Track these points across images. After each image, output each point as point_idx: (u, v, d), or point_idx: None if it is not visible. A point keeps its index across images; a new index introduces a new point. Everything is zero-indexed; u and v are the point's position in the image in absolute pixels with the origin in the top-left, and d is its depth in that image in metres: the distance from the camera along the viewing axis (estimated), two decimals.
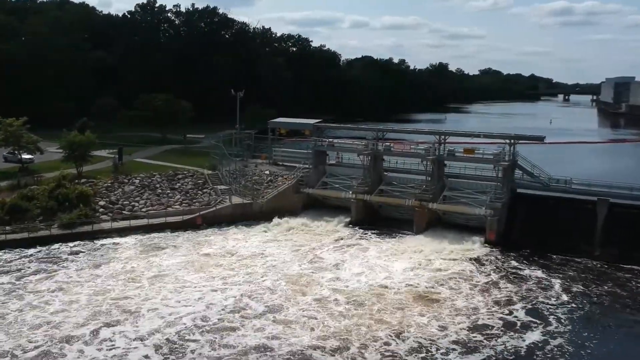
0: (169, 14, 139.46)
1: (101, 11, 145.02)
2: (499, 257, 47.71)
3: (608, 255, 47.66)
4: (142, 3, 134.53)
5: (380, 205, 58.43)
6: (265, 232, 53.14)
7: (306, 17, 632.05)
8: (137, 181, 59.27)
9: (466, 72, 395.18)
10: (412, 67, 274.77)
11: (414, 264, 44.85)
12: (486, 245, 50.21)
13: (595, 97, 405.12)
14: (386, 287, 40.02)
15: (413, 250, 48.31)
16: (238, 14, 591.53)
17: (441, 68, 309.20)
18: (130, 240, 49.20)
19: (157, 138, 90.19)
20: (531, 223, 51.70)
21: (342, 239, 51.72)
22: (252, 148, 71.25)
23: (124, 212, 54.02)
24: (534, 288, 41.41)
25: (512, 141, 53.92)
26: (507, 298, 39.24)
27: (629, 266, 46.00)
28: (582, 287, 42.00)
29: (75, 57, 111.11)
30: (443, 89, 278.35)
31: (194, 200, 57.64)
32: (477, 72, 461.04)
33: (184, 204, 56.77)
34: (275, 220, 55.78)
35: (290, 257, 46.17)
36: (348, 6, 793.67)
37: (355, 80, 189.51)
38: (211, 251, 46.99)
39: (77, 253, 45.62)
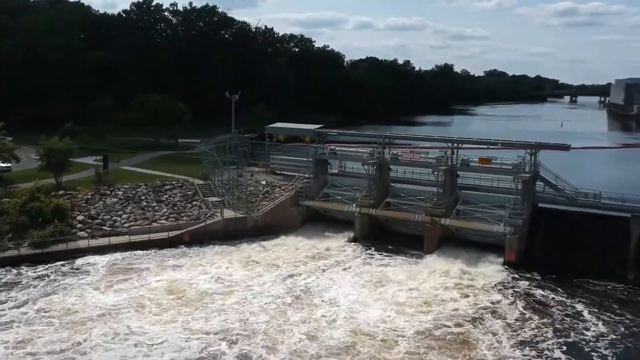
0: (165, 13, 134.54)
1: (97, 10, 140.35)
2: (522, 282, 42.38)
3: None
4: (138, 2, 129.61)
5: (387, 220, 53.25)
6: (257, 252, 47.55)
7: (310, 18, 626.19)
8: (120, 193, 54.19)
9: (471, 73, 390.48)
10: (417, 68, 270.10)
11: (425, 295, 38.95)
12: (505, 267, 44.99)
13: (603, 99, 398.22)
14: (393, 329, 33.83)
15: (423, 275, 42.77)
16: (242, 15, 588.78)
17: (446, 69, 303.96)
18: (104, 261, 43.91)
19: (150, 142, 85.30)
20: (555, 242, 46.46)
21: (342, 261, 45.96)
22: (249, 155, 66.13)
23: (104, 227, 48.93)
24: (566, 319, 36.33)
25: (533, 150, 48.61)
26: (539, 335, 34.01)
27: None
28: (618, 317, 36.92)
29: (74, 57, 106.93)
30: (448, 90, 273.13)
31: (182, 214, 52.50)
32: (482, 73, 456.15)
33: (170, 219, 51.68)
34: (271, 237, 50.75)
35: (279, 287, 39.76)
36: (352, 7, 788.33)
37: (360, 81, 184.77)
38: (186, 278, 40.77)
39: (42, 277, 40.39)
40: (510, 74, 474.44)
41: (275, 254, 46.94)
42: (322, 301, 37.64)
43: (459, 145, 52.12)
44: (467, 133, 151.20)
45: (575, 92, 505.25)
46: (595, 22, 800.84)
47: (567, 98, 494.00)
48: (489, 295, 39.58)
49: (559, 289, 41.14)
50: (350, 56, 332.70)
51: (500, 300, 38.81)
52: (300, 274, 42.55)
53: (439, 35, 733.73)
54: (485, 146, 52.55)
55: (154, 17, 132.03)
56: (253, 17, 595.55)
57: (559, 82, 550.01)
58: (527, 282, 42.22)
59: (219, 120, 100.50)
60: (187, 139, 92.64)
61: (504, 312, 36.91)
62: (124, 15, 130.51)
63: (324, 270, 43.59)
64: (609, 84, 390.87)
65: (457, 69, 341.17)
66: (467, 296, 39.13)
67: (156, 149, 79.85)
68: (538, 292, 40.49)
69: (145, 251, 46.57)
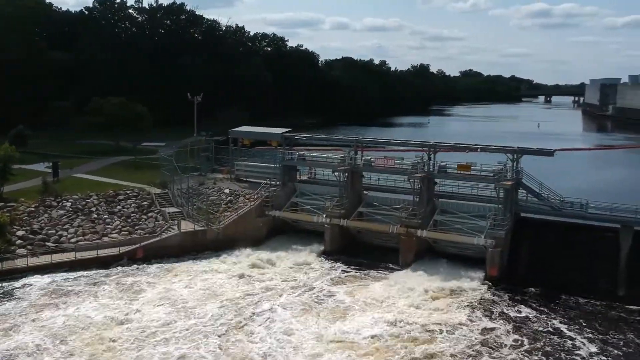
0: (130, 11, 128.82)
1: (60, 8, 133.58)
2: (505, 300, 38.97)
3: (634, 295, 39.05)
4: None
5: (360, 231, 49.41)
6: (213, 270, 42.78)
7: (288, 18, 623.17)
8: (68, 204, 49.47)
9: (447, 74, 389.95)
10: (393, 69, 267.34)
11: (396, 322, 34.53)
12: (487, 282, 41.46)
13: (577, 99, 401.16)
14: None
15: (395, 295, 38.76)
16: (220, 15, 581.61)
17: (422, 69, 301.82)
18: (40, 284, 39.05)
19: (110, 147, 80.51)
20: (540, 256, 42.97)
21: (307, 282, 41.29)
22: (212, 160, 61.75)
23: (47, 244, 44.23)
24: (555, 340, 33.34)
25: (515, 156, 45.16)
26: None
27: None
28: (607, 337, 34.05)
29: (33, 57, 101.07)
30: (425, 90, 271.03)
31: (137, 227, 47.99)
32: (457, 74, 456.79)
33: (123, 232, 47.17)
34: (233, 251, 46.56)
35: (220, 324, 33.73)
36: (329, 7, 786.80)
37: (337, 82, 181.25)
38: (118, 309, 35.26)
39: None
40: (486, 74, 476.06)
41: (232, 273, 42.24)
42: (282, 337, 32.29)
43: (436, 150, 48.42)
44: (444, 135, 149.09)
45: (550, 91, 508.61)
46: (569, 24, 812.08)
47: (541, 98, 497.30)
48: (468, 315, 36.04)
49: (545, 308, 37.87)
50: (329, 57, 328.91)
51: (483, 322, 35.22)
52: (253, 302, 36.98)
53: (416, 36, 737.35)
54: (464, 151, 48.59)
55: (118, 15, 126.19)
56: (232, 16, 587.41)
57: (534, 82, 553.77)
58: (511, 301, 38.80)
59: (190, 122, 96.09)
60: (151, 142, 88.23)
61: (488, 337, 33.30)
62: (87, 12, 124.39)
63: (283, 294, 38.66)
64: (582, 84, 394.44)
65: (434, 69, 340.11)
66: (446, 314, 35.73)
67: (116, 154, 74.91)
68: (524, 312, 37.10)
69: (92, 270, 42.08)
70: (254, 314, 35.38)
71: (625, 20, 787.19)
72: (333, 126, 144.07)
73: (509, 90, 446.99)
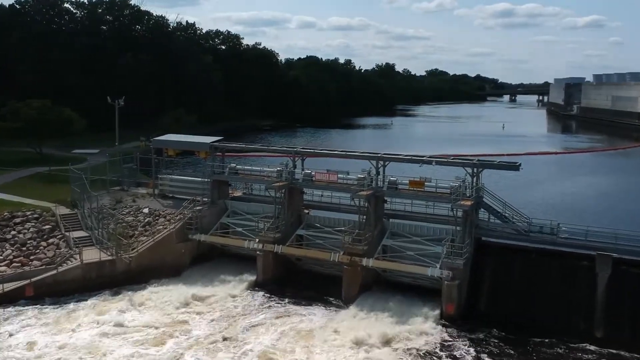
0: (67, 5, 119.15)
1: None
2: (464, 344, 32.59)
3: (615, 337, 33.07)
4: None
5: (298, 258, 42.53)
6: (107, 317, 34.45)
7: (254, 17, 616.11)
8: None
9: (413, 73, 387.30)
10: (358, 68, 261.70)
11: None
12: (443, 321, 35.00)
13: (541, 98, 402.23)
14: None
15: (335, 344, 32.01)
16: (184, 14, 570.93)
17: (388, 69, 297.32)
18: None
19: (33, 155, 72.04)
20: (504, 289, 36.73)
21: (225, 329, 33.73)
22: (137, 173, 54.17)
23: None
24: None
25: (475, 170, 38.82)
26: None
27: None
28: None
29: None
30: (391, 90, 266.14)
31: (32, 258, 40.15)
32: (423, 73, 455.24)
33: (14, 264, 39.33)
34: (146, 285, 39.23)
35: None
36: (295, 6, 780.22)
37: (297, 82, 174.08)
38: None
39: None
40: (451, 74, 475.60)
41: (129, 322, 34.00)
42: None
43: (385, 162, 41.77)
44: (407, 137, 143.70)
45: (514, 90, 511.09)
46: (531, 23, 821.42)
47: (506, 97, 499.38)
48: None
49: (511, 354, 31.57)
50: (295, 56, 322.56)
51: None
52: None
53: (382, 36, 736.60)
54: (418, 164, 41.93)
55: (54, 10, 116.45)
56: (198, 16, 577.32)
57: (499, 82, 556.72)
58: (470, 343, 32.54)
59: (134, 126, 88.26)
60: (83, 149, 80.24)
61: None
62: (18, 6, 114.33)
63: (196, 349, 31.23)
64: (546, 83, 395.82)
65: (399, 68, 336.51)
66: None
67: (34, 164, 66.27)
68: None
69: None
70: None
71: (585, 20, 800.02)
72: (290, 129, 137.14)
73: (474, 89, 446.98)
